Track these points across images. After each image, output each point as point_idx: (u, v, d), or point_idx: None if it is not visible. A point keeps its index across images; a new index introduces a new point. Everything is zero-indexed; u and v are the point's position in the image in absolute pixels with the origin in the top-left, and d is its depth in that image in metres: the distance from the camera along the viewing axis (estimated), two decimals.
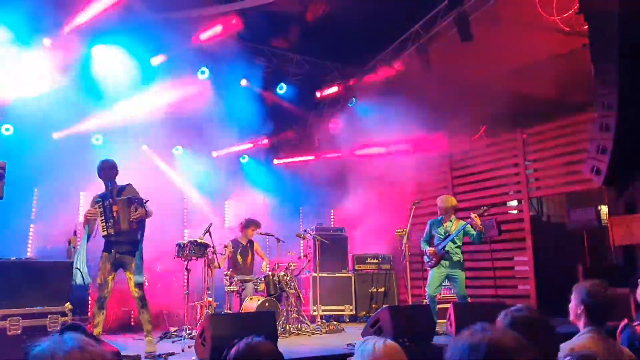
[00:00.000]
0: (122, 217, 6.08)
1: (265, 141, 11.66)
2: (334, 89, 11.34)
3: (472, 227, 7.44)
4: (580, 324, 3.02)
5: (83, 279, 5.82)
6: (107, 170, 6.26)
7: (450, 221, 7.68)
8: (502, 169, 9.90)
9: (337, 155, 11.54)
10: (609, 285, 3.10)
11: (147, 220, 6.29)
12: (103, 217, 6.03)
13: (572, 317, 3.10)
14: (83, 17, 7.99)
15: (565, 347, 2.69)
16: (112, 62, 8.90)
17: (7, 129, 8.53)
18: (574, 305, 3.05)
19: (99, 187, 6.42)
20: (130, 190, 6.36)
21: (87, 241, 6.04)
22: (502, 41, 8.92)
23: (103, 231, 6.05)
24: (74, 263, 5.83)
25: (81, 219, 8.24)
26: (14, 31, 7.89)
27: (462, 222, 7.63)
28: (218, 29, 8.92)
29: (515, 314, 2.41)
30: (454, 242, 7.53)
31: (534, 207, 9.91)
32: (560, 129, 9.06)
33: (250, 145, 11.40)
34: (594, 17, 7.11)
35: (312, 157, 11.85)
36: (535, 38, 8.82)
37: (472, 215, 7.36)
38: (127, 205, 6.13)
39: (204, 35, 9.08)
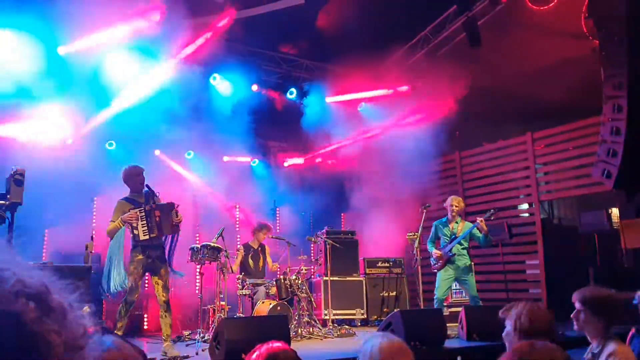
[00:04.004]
0: (164, 223, 6.19)
1: (276, 144, 11.79)
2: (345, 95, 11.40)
3: (478, 230, 7.37)
4: (587, 330, 2.96)
5: (122, 283, 6.01)
6: (140, 175, 6.40)
7: (456, 222, 7.63)
8: (513, 173, 9.93)
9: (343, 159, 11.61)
10: (620, 289, 3.10)
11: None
12: (145, 222, 6.11)
13: (576, 325, 3.02)
14: None
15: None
16: (125, 66, 8.99)
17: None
18: (578, 312, 2.98)
19: (112, 192, 6.53)
20: (157, 198, 6.49)
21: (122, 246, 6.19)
22: (511, 45, 8.96)
23: (144, 235, 6.09)
24: (107, 269, 5.96)
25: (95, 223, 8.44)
26: None
27: (469, 224, 7.59)
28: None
29: None
30: (461, 244, 7.49)
31: (545, 210, 9.92)
32: (570, 132, 9.09)
33: (259, 149, 11.53)
34: (603, 22, 7.14)
35: (319, 159, 11.93)
36: (544, 43, 8.85)
37: (479, 219, 7.36)
38: (169, 210, 6.25)
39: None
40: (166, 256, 6.36)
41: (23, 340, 0.76)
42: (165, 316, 6.25)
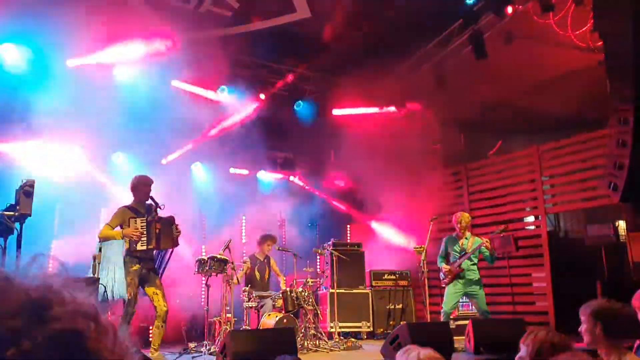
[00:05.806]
0: (163, 236, 6.23)
1: (282, 157, 11.82)
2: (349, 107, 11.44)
3: (485, 248, 7.47)
4: (601, 346, 2.87)
5: (123, 293, 5.94)
6: (149, 186, 6.40)
7: (466, 238, 7.65)
8: (519, 185, 9.91)
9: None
10: (628, 302, 3.08)
11: None
12: (145, 233, 6.15)
13: (588, 340, 2.93)
14: None
15: None
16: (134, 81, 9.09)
17: None
18: (590, 327, 2.90)
19: (118, 203, 6.56)
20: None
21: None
22: (517, 58, 8.98)
23: (142, 245, 6.12)
24: (110, 275, 5.94)
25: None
26: None
27: (478, 240, 7.63)
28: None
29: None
30: (470, 260, 7.52)
31: (551, 222, 9.88)
32: (577, 144, 9.08)
33: (266, 160, 11.57)
34: (609, 34, 7.16)
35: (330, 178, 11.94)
36: (550, 55, 8.88)
37: (486, 240, 7.43)
38: (169, 225, 6.31)
39: None
40: (158, 269, 6.37)
41: (84, 358, 0.78)
42: (162, 327, 6.25)
